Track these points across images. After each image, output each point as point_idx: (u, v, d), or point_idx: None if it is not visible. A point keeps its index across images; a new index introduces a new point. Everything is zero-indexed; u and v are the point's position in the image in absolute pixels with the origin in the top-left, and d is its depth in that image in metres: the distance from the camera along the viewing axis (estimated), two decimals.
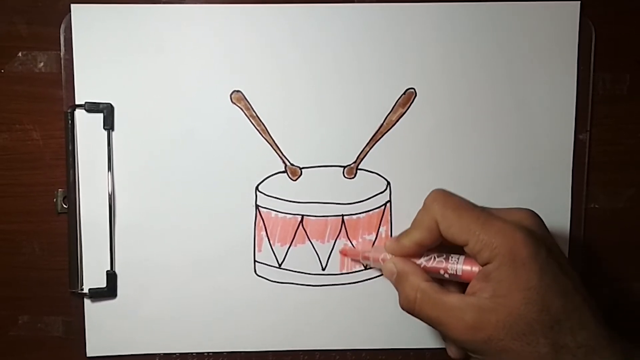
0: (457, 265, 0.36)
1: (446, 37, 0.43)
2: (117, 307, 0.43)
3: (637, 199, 0.46)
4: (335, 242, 0.44)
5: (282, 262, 0.44)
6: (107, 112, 0.42)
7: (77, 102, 0.42)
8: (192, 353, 0.44)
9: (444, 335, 0.36)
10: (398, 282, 0.38)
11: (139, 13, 0.42)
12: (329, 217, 0.44)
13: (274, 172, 0.43)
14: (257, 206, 0.44)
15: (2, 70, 0.43)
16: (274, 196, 0.43)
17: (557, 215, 0.44)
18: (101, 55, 0.42)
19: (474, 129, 0.44)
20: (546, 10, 0.43)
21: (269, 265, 0.44)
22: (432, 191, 0.37)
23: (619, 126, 0.45)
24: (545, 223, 0.36)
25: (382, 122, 0.43)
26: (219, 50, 0.43)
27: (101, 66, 0.42)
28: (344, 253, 0.44)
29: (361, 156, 0.44)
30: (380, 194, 0.44)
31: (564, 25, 0.43)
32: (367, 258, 0.42)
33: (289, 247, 0.44)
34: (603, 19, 0.44)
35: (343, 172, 0.44)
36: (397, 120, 0.44)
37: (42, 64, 0.43)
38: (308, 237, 0.44)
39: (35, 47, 0.42)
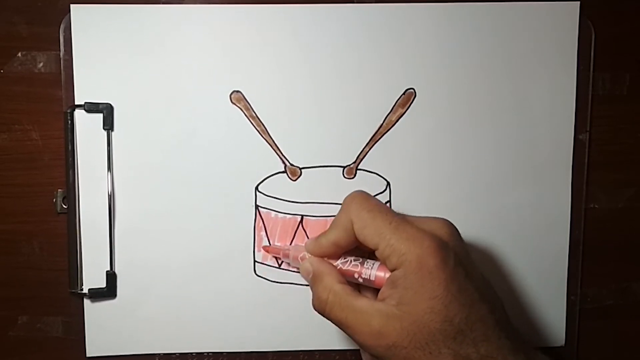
0: (371, 271, 0.36)
1: (446, 37, 0.43)
2: (117, 308, 0.43)
3: (637, 199, 0.46)
4: None
5: (281, 262, 0.44)
6: (106, 112, 0.42)
7: (76, 103, 0.42)
8: (192, 353, 0.44)
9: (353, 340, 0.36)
10: (313, 282, 0.37)
11: (138, 13, 0.42)
12: (329, 218, 0.44)
13: (273, 172, 0.43)
14: (256, 206, 0.44)
15: (2, 71, 0.42)
16: (273, 196, 0.43)
17: (557, 215, 0.44)
18: (101, 55, 0.42)
19: (473, 129, 0.44)
20: (546, 11, 0.43)
21: (269, 266, 0.44)
22: (352, 192, 0.37)
23: (618, 126, 0.45)
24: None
25: (381, 122, 0.43)
26: (218, 51, 0.42)
27: (101, 66, 0.42)
28: (266, 250, 0.43)
29: (361, 156, 0.44)
30: (380, 194, 0.44)
31: (563, 25, 0.43)
32: (286, 256, 0.41)
33: None
34: (603, 19, 0.44)
35: (343, 173, 0.44)
36: (397, 121, 0.44)
37: (41, 64, 0.43)
38: (308, 237, 0.44)
39: (34, 47, 0.42)
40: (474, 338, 0.32)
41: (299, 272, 0.41)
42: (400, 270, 0.33)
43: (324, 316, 0.36)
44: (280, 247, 0.43)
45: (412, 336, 0.32)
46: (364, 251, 0.37)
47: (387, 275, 0.35)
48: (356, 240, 0.36)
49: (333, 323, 0.36)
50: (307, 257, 0.39)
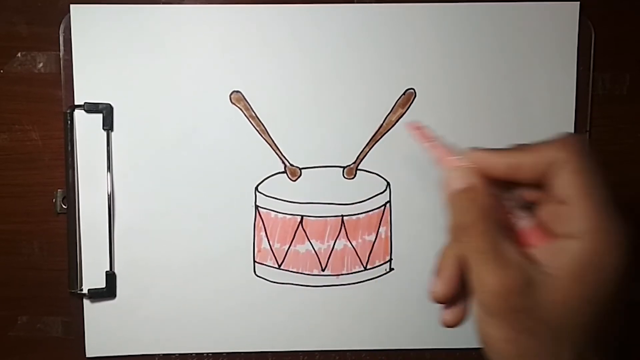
0: (525, 222, 0.30)
1: (446, 37, 0.43)
2: (117, 308, 0.43)
3: (637, 199, 0.46)
4: (334, 243, 0.44)
5: (281, 263, 0.44)
6: (106, 112, 0.42)
7: (76, 103, 0.42)
8: (191, 354, 0.44)
9: (472, 274, 0.30)
10: (462, 196, 0.31)
11: (138, 13, 0.42)
12: (329, 218, 0.44)
13: (273, 173, 0.43)
14: (256, 206, 0.44)
15: (2, 71, 0.43)
16: (273, 196, 0.43)
17: None
18: (100, 55, 0.42)
19: (473, 129, 0.44)
20: (546, 11, 0.43)
21: (269, 266, 0.44)
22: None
23: (618, 126, 0.45)
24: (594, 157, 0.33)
25: (381, 122, 0.43)
26: (218, 51, 0.42)
27: (100, 66, 0.42)
28: (415, 127, 0.34)
29: (361, 156, 0.44)
30: (380, 194, 0.44)
31: (563, 25, 0.43)
32: (435, 148, 0.33)
33: (289, 248, 0.44)
34: (602, 19, 0.44)
35: (343, 173, 0.44)
36: (397, 121, 0.43)
37: (41, 64, 0.43)
38: (308, 237, 0.44)
39: (34, 47, 0.42)
40: (595, 348, 0.29)
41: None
42: (580, 242, 0.28)
43: (454, 240, 0.30)
44: (432, 136, 0.34)
45: (551, 315, 0.28)
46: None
47: (544, 238, 0.30)
48: (536, 178, 0.30)
49: (464, 251, 0.30)
50: (462, 164, 0.32)
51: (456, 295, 0.32)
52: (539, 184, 0.30)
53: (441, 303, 0.32)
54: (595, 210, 0.28)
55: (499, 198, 0.31)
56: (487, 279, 0.28)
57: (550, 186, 0.29)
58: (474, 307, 0.30)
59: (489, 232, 0.29)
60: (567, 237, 0.29)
